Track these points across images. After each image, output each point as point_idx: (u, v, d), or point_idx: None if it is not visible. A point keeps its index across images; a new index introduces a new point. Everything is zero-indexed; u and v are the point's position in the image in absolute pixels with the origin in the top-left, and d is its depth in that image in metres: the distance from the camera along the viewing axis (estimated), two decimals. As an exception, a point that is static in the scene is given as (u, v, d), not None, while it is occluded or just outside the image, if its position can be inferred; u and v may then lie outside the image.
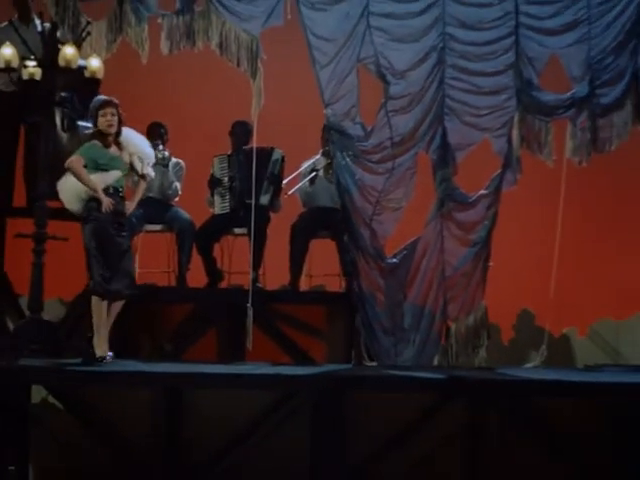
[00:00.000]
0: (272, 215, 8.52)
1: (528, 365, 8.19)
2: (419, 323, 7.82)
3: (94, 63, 7.12)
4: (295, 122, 9.08)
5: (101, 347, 7.20)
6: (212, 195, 8.57)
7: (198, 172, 8.62)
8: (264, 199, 8.45)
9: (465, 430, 6.93)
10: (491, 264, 7.87)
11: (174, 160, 8.51)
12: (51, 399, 7.26)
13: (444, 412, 6.93)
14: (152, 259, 8.54)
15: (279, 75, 8.04)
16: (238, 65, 7.69)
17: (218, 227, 8.48)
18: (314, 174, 8.44)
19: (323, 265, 8.58)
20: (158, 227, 8.45)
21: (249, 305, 7.63)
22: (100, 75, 7.18)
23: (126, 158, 7.29)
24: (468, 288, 7.85)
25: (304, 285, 8.64)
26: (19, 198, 8.41)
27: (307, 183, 8.45)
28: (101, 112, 7.18)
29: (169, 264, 8.52)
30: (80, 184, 7.16)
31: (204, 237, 8.41)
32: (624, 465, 6.77)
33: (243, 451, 6.97)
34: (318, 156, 8.47)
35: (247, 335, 7.58)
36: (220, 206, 8.51)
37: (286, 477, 6.92)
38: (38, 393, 7.25)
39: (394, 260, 7.85)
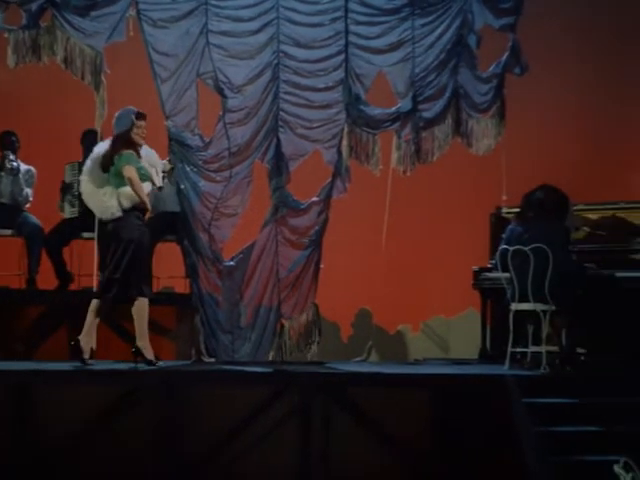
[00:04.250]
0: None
1: (356, 359, 8.64)
2: (255, 322, 8.20)
3: None
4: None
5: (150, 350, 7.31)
6: (62, 200, 8.79)
7: (49, 178, 8.82)
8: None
9: (296, 417, 7.24)
10: (322, 266, 8.28)
11: (25, 167, 8.70)
12: None
13: (276, 402, 7.21)
14: (3, 263, 8.79)
15: (124, 88, 8.32)
16: (82, 78, 7.95)
17: (67, 232, 8.68)
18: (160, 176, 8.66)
19: (170, 267, 8.75)
20: (8, 232, 8.67)
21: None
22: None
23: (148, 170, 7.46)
24: (301, 289, 8.26)
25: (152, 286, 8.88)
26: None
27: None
28: (137, 123, 7.30)
29: (20, 267, 8.72)
30: (108, 195, 7.29)
31: (54, 241, 8.62)
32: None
33: (86, 447, 7.14)
34: (164, 161, 8.57)
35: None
36: (69, 211, 8.74)
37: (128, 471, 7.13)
38: None
39: (231, 263, 8.19)
